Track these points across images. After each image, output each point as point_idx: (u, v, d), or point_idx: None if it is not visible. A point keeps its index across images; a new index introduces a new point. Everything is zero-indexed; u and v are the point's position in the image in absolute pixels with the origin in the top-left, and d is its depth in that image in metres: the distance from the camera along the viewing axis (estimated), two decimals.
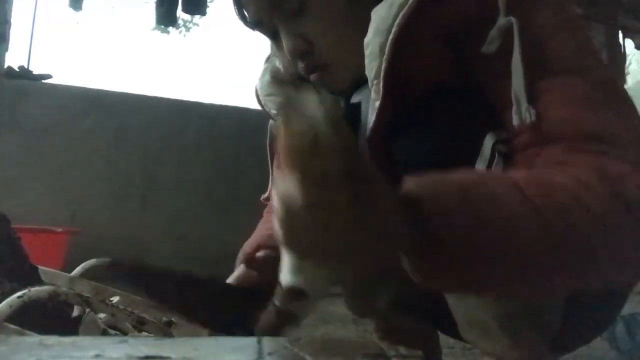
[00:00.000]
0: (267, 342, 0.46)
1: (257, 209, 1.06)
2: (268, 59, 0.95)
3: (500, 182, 0.54)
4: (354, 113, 0.79)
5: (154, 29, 8.31)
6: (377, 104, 0.69)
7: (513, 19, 0.63)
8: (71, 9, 3.68)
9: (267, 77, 0.92)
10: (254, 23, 0.78)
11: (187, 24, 9.45)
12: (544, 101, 0.61)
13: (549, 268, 0.53)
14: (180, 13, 3.57)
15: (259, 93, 0.93)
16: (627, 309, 0.86)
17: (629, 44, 5.03)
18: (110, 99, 3.12)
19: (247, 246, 0.91)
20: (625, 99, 0.62)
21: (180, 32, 9.62)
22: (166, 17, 3.52)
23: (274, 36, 0.79)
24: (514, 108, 0.61)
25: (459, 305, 0.72)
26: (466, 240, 0.50)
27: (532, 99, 0.61)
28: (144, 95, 3.31)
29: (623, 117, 0.59)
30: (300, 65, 0.78)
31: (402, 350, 0.47)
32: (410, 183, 0.51)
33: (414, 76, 0.69)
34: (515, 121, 0.61)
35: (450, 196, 0.51)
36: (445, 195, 0.51)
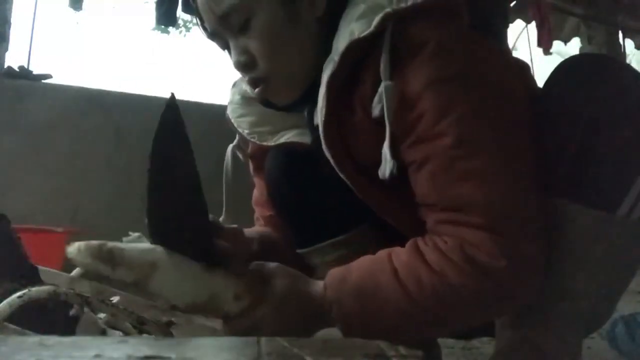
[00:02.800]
0: (267, 342, 0.46)
1: (247, 209, 1.06)
2: (235, 84, 0.99)
3: (384, 273, 0.69)
4: (319, 133, 0.80)
5: (154, 29, 8.30)
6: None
7: (386, 83, 0.69)
8: (71, 9, 3.68)
9: (237, 97, 0.96)
10: (210, 34, 0.83)
11: (187, 24, 9.43)
12: (413, 169, 0.71)
13: (435, 328, 0.74)
14: (180, 13, 3.56)
15: (231, 116, 0.96)
16: (627, 309, 0.86)
17: (629, 44, 5.03)
18: (110, 99, 3.11)
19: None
20: (486, 153, 0.67)
21: (180, 32, 9.62)
22: (166, 17, 3.52)
23: (228, 48, 0.83)
24: (382, 163, 0.70)
25: None
26: (365, 325, 0.69)
27: (404, 164, 0.71)
28: (144, 95, 3.30)
29: (479, 183, 0.66)
30: (246, 78, 0.84)
31: (402, 350, 0.47)
32: (324, 289, 0.71)
33: (358, 153, 0.77)
34: (380, 174, 0.71)
35: (348, 298, 0.69)
36: (345, 300, 0.69)
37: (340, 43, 0.74)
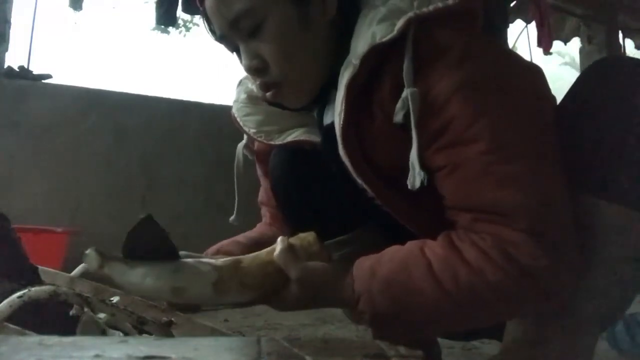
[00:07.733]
0: (267, 342, 0.46)
1: (256, 209, 1.06)
2: (240, 83, 0.98)
3: (418, 266, 0.68)
4: (328, 133, 0.80)
5: (154, 29, 8.31)
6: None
7: (412, 90, 0.68)
8: (71, 9, 3.68)
9: (243, 96, 0.95)
10: (219, 37, 0.82)
11: (187, 24, 9.43)
12: (442, 174, 0.69)
13: (465, 323, 0.74)
14: (180, 13, 3.56)
15: (237, 115, 0.95)
16: None
17: (629, 44, 5.02)
18: (110, 99, 3.11)
19: (210, 250, 0.96)
20: (520, 157, 0.67)
21: (180, 32, 9.62)
22: (166, 17, 3.51)
23: (237, 51, 0.82)
24: (410, 172, 0.69)
25: None
26: (393, 317, 0.69)
27: (429, 168, 0.69)
28: (144, 95, 3.30)
29: (518, 188, 0.66)
30: (257, 82, 0.82)
31: (402, 350, 0.47)
32: (350, 281, 0.70)
33: (375, 157, 0.75)
34: (409, 185, 0.69)
35: (378, 293, 0.68)
36: (374, 292, 0.68)
37: (360, 46, 0.72)
